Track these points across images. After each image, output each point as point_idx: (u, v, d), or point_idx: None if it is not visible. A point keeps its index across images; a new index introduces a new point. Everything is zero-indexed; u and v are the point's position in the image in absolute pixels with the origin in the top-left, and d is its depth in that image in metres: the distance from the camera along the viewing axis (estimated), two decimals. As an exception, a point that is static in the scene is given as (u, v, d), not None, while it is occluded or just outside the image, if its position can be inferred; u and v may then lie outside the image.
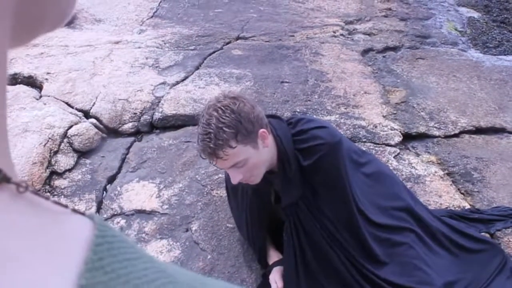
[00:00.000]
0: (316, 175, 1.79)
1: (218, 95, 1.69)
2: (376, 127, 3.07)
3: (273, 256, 2.13)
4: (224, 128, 1.56)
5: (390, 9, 5.17)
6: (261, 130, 1.67)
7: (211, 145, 1.56)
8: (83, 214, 0.29)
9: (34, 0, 0.30)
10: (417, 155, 2.90)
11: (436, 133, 3.09)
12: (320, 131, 1.79)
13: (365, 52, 4.15)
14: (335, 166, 1.79)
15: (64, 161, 2.78)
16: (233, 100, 1.62)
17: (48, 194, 2.55)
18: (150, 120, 3.17)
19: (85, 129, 2.97)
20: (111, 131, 3.11)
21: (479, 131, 3.15)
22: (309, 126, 1.82)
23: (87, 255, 0.25)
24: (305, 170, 1.78)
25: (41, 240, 0.25)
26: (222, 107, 1.59)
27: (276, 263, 2.08)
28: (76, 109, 3.20)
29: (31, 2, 0.30)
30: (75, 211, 0.29)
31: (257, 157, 1.66)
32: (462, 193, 2.61)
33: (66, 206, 0.29)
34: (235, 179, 1.65)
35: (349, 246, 1.87)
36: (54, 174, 2.71)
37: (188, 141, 2.95)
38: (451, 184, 2.66)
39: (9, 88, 3.29)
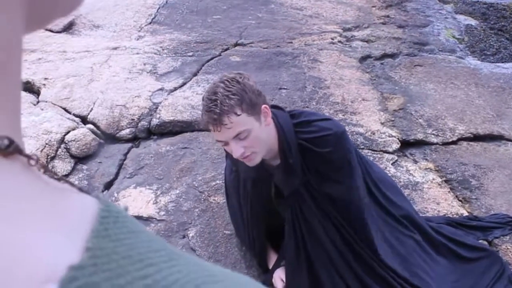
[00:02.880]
0: (323, 163, 1.80)
1: (223, 74, 1.73)
2: (374, 134, 3.07)
3: (273, 259, 2.13)
4: (230, 96, 1.59)
5: (388, 16, 5.19)
6: (264, 105, 1.70)
7: (217, 111, 1.57)
8: (88, 193, 0.31)
9: None
10: (415, 162, 2.90)
11: (434, 140, 3.09)
12: (324, 122, 1.82)
13: (363, 59, 4.16)
14: (343, 154, 1.81)
15: (61, 166, 2.77)
16: (238, 75, 1.68)
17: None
18: (148, 126, 3.16)
19: (82, 134, 2.96)
20: (109, 137, 3.10)
21: (477, 138, 3.15)
22: (313, 118, 1.84)
23: (94, 225, 0.26)
24: (312, 157, 1.79)
25: (49, 207, 0.26)
26: (228, 79, 1.64)
27: (276, 265, 2.08)
28: (74, 114, 3.20)
29: None
30: (81, 190, 0.31)
31: (259, 131, 1.67)
32: (460, 200, 2.61)
33: (73, 185, 0.31)
34: (237, 152, 1.65)
35: (350, 237, 1.88)
36: (50, 180, 2.69)
37: (186, 147, 2.95)
38: (449, 191, 2.66)
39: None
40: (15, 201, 0.25)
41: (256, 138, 1.66)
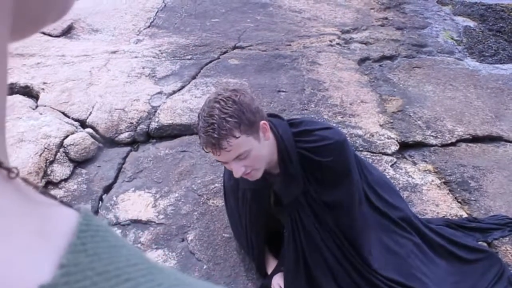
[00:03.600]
0: (323, 172, 1.80)
1: (218, 89, 1.69)
2: (372, 136, 3.07)
3: (272, 264, 2.13)
4: (228, 118, 1.55)
5: (386, 18, 5.19)
6: (262, 122, 1.67)
7: (215, 135, 1.54)
8: (70, 206, 0.30)
9: None
10: (414, 164, 2.90)
11: (433, 142, 3.09)
12: (325, 131, 1.81)
13: (362, 61, 4.16)
14: (343, 163, 1.81)
15: (60, 170, 2.76)
16: (234, 92, 1.62)
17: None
18: (147, 129, 3.16)
19: (81, 138, 2.96)
20: (107, 141, 3.10)
21: (475, 139, 3.15)
22: (314, 127, 1.83)
23: (71, 239, 0.26)
24: (312, 166, 1.78)
25: (27, 222, 0.25)
26: (224, 99, 1.58)
27: (275, 271, 2.07)
28: (72, 118, 3.20)
29: None
30: (63, 202, 0.30)
31: (259, 149, 1.65)
32: (459, 202, 2.60)
33: (55, 198, 0.31)
34: (238, 172, 1.64)
35: (344, 248, 1.88)
36: (49, 184, 2.69)
37: (185, 151, 2.95)
38: (448, 193, 2.66)
39: (5, 98, 3.30)
40: None
41: (256, 156, 1.65)
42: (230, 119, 1.55)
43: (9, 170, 0.27)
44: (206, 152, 1.66)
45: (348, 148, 1.84)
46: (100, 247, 0.26)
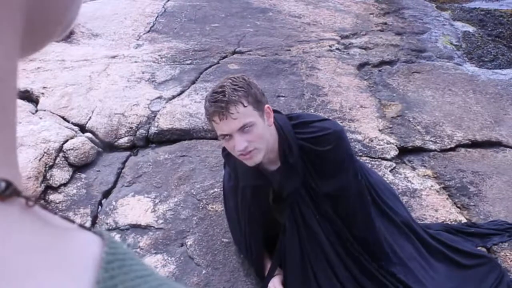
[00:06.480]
0: (324, 162, 1.83)
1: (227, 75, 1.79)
2: (372, 141, 3.07)
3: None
4: (237, 88, 1.63)
5: (385, 23, 5.21)
6: (267, 105, 1.73)
7: (225, 99, 1.60)
8: (89, 229, 0.29)
9: (46, 9, 0.30)
10: (413, 169, 2.90)
11: (432, 147, 3.09)
12: (323, 123, 1.86)
13: (361, 66, 4.17)
14: (343, 151, 1.84)
15: (60, 175, 2.76)
16: (243, 75, 1.74)
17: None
18: (146, 134, 3.16)
19: (80, 143, 2.96)
20: (107, 146, 3.10)
21: (475, 144, 3.16)
22: (311, 119, 1.88)
23: (99, 273, 0.24)
24: (313, 157, 1.82)
25: (52, 257, 0.24)
26: (234, 77, 1.69)
27: (270, 272, 2.08)
28: (72, 123, 3.20)
29: (42, 10, 0.29)
30: (81, 226, 0.29)
31: (263, 128, 1.69)
32: (458, 207, 2.60)
33: (73, 222, 0.29)
34: (240, 145, 1.65)
35: (347, 241, 1.89)
36: (49, 188, 2.69)
37: (184, 156, 2.95)
38: (447, 198, 2.66)
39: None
40: (13, 252, 0.22)
41: (259, 133, 1.68)
42: (239, 89, 1.63)
43: (27, 198, 0.26)
44: (213, 121, 1.68)
45: (346, 138, 1.88)
46: (129, 279, 0.25)
